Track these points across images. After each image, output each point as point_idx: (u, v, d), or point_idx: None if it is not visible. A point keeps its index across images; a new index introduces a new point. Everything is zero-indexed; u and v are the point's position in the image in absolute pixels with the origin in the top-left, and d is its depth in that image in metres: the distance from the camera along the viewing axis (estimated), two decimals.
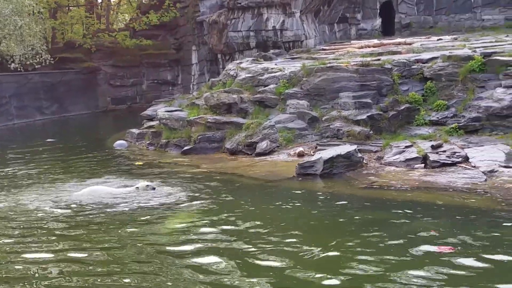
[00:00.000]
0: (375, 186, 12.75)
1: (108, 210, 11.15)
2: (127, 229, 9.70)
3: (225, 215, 10.71)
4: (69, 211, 11.25)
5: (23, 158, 19.37)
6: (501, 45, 18.97)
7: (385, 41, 24.53)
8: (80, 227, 10.05)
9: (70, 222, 10.40)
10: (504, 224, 9.62)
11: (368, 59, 19.08)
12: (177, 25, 39.61)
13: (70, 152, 20.70)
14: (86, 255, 8.27)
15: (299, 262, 7.83)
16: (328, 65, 18.82)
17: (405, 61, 18.29)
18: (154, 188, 12.39)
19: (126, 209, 11.18)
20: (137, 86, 39.29)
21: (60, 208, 11.49)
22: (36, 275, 7.48)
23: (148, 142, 20.44)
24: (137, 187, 12.40)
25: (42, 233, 9.66)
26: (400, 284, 6.89)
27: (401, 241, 8.70)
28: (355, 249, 8.43)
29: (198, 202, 11.69)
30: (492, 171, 12.82)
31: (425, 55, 18.78)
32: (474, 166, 13.29)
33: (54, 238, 9.35)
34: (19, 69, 32.21)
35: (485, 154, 13.78)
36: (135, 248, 8.57)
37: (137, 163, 17.34)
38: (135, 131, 21.93)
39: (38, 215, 10.96)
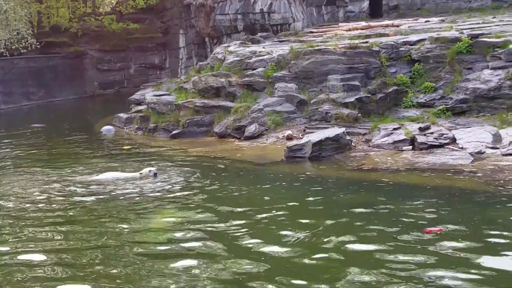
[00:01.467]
0: (363, 168, 12.81)
1: (103, 197, 10.99)
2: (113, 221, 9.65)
3: (213, 198, 10.73)
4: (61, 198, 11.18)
5: (10, 144, 19.25)
6: (488, 26, 19.03)
7: (373, 24, 24.49)
8: (65, 216, 9.94)
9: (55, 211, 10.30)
10: (492, 204, 9.71)
11: (356, 41, 19.05)
12: (164, 9, 39.31)
13: (57, 138, 20.57)
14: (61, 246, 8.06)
15: (284, 246, 7.86)
16: (316, 48, 18.78)
17: (393, 43, 18.30)
18: (155, 174, 12.21)
19: (122, 197, 11.06)
20: (125, 70, 39.03)
21: (53, 194, 11.44)
22: None
23: (136, 126, 20.37)
24: (140, 173, 12.29)
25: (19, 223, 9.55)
26: (389, 266, 6.94)
27: (389, 222, 8.75)
28: (343, 230, 8.47)
29: (187, 187, 11.69)
30: (479, 152, 12.91)
31: (413, 37, 18.78)
32: (462, 148, 13.37)
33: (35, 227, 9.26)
34: (4, 54, 31.88)
35: (472, 136, 13.87)
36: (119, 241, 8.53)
37: (124, 147, 17.29)
38: (123, 115, 21.84)
39: (22, 201, 10.90)
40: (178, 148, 16.59)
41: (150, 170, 12.27)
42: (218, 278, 6.62)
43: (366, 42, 18.92)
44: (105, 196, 11.06)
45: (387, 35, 20.41)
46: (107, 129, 20.81)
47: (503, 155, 12.61)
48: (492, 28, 18.42)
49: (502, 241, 7.70)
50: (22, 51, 32.66)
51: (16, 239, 8.45)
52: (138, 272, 6.86)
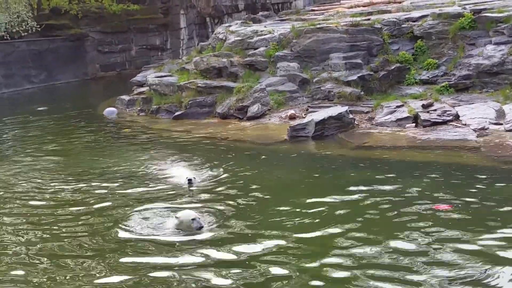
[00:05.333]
0: (367, 146, 12.82)
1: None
2: None
3: (219, 179, 10.80)
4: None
5: (17, 126, 19.42)
6: (491, 1, 18.81)
7: (375, 0, 24.27)
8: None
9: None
10: (497, 180, 9.74)
11: (358, 19, 18.91)
12: None
13: (61, 121, 20.58)
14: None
15: (286, 225, 7.95)
16: (318, 26, 18.64)
17: (395, 20, 18.16)
18: (201, 227, 7.95)
19: None
20: (126, 52, 38.83)
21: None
22: None
23: (138, 108, 20.33)
24: (177, 217, 8.11)
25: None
26: (403, 241, 7.02)
27: (397, 199, 8.80)
28: (348, 208, 8.53)
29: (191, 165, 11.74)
30: (482, 129, 12.89)
31: (415, 13, 18.62)
32: (465, 124, 13.34)
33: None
34: (5, 37, 31.76)
35: (476, 112, 13.83)
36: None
37: (125, 129, 17.33)
38: (125, 97, 21.79)
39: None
40: (181, 129, 16.59)
41: (193, 219, 7.98)
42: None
43: (368, 19, 18.78)
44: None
45: (389, 11, 20.26)
46: (109, 111, 20.77)
47: (507, 130, 12.59)
48: (495, 3, 18.22)
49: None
50: (22, 34, 32.51)
51: None
52: None
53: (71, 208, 9.43)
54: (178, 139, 15.37)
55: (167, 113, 18.76)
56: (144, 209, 9.09)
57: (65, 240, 7.95)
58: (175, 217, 7.96)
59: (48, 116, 21.65)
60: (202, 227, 7.82)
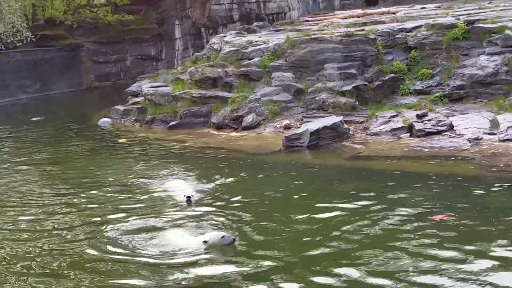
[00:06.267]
0: (362, 156, 12.84)
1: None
2: None
3: (214, 189, 10.80)
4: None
5: (11, 137, 19.38)
6: (484, 12, 18.98)
7: (369, 11, 24.43)
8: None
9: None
10: (492, 190, 9.76)
11: (352, 29, 18.99)
12: None
13: (55, 131, 20.55)
14: None
15: (282, 234, 7.94)
16: (312, 36, 18.73)
17: (389, 30, 18.25)
18: (234, 240, 7.79)
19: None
20: (121, 62, 38.85)
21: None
22: None
23: (134, 118, 20.33)
24: (205, 241, 7.79)
25: None
26: (399, 252, 7.02)
27: (389, 209, 8.80)
28: (343, 218, 8.54)
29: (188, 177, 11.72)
30: (477, 139, 12.94)
31: (409, 24, 18.74)
32: (459, 134, 13.39)
33: None
34: (0, 48, 31.75)
35: (470, 122, 13.89)
36: None
37: (120, 140, 17.30)
38: (121, 107, 21.78)
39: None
40: (176, 139, 16.58)
41: (223, 236, 7.79)
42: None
43: (362, 30, 18.87)
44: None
45: (383, 22, 20.35)
46: (104, 121, 20.79)
47: (501, 140, 12.64)
48: (488, 13, 18.37)
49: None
50: (17, 44, 32.53)
51: None
52: None
53: (55, 221, 9.34)
54: (173, 149, 15.36)
55: (162, 123, 18.76)
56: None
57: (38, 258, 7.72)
58: (204, 241, 7.69)
59: (43, 126, 21.61)
60: (234, 239, 7.71)
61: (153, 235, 8.37)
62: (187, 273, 6.96)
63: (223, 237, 7.65)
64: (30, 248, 8.03)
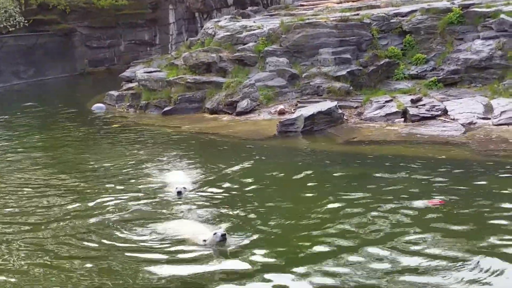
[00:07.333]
0: (356, 141, 12.85)
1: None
2: None
3: (208, 174, 10.78)
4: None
5: (3, 122, 19.28)
6: None
7: None
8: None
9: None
10: (485, 174, 9.80)
11: (347, 14, 18.92)
12: None
13: (49, 116, 20.45)
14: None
15: (277, 220, 7.94)
16: (307, 21, 18.64)
17: (384, 15, 18.19)
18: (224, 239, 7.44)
19: None
20: (115, 47, 38.62)
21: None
22: None
23: (128, 104, 20.25)
24: (204, 240, 7.58)
25: None
26: (396, 238, 7.04)
27: (388, 194, 8.81)
28: (338, 203, 8.55)
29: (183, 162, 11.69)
30: (471, 123, 12.97)
31: (404, 9, 18.68)
32: (453, 119, 13.41)
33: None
34: None
35: (464, 107, 13.91)
36: None
37: (114, 125, 17.23)
38: (114, 93, 21.67)
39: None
40: (171, 125, 16.54)
41: (215, 233, 7.50)
42: None
43: (357, 14, 18.80)
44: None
45: (378, 6, 20.27)
46: (97, 107, 20.68)
47: (494, 125, 12.68)
48: None
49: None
50: (10, 29, 32.30)
51: None
52: None
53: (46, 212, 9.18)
54: (168, 134, 15.33)
55: (156, 109, 18.70)
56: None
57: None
58: (203, 240, 7.45)
59: (36, 111, 21.51)
60: (225, 235, 7.35)
61: (146, 224, 8.30)
62: (178, 268, 6.80)
63: (215, 234, 7.41)
64: (26, 238, 7.99)
